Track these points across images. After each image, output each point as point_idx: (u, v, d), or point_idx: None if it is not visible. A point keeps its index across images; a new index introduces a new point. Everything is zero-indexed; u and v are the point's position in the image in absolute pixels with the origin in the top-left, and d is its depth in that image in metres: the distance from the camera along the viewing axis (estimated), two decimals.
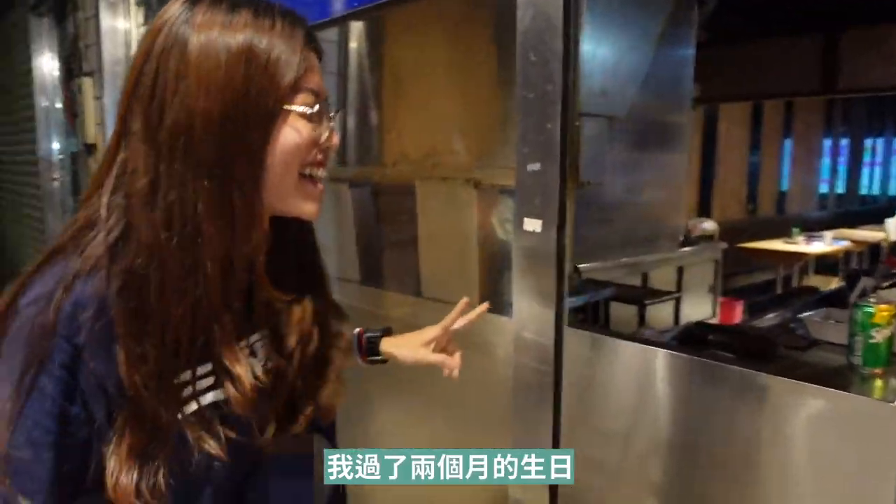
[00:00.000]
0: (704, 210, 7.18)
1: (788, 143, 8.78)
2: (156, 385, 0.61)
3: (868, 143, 11.31)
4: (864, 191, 11.50)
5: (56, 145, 3.98)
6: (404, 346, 1.03)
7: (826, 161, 10.00)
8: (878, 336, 1.18)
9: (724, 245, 4.73)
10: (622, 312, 2.77)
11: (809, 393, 1.12)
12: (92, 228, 0.65)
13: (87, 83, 3.13)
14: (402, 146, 1.89)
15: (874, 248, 6.93)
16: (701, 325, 2.38)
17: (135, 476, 0.60)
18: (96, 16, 2.99)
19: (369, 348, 1.04)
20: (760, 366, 1.23)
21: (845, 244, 6.43)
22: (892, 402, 1.05)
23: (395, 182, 1.88)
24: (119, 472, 0.60)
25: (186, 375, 0.64)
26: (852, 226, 8.57)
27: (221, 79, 0.62)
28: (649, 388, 1.32)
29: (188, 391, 0.65)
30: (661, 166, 1.93)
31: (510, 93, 1.41)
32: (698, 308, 4.53)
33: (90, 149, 3.19)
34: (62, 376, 0.60)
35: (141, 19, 2.96)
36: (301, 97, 0.67)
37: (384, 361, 1.05)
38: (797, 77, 5.42)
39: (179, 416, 0.64)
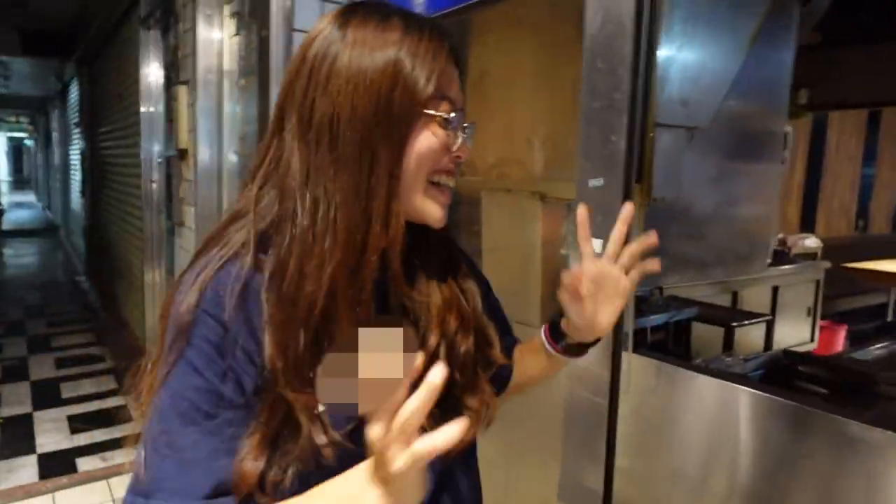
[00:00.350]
0: (808, 226, 6.68)
1: (873, 150, 8.03)
2: (296, 374, 0.63)
3: None
4: None
5: (156, 149, 4.23)
6: (591, 313, 0.86)
7: None
8: None
9: (827, 264, 4.37)
10: (708, 334, 2.59)
11: (883, 438, 0.98)
12: (242, 218, 0.70)
13: (181, 91, 3.30)
14: (472, 156, 1.85)
15: None
16: (790, 355, 2.18)
17: (262, 464, 0.62)
18: (193, 28, 3.15)
19: (552, 331, 0.93)
20: (855, 412, 1.09)
21: None
22: None
23: (462, 192, 1.84)
24: (247, 456, 0.62)
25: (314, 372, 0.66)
26: None
27: (368, 85, 0.67)
28: (719, 428, 1.20)
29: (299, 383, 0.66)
30: (752, 178, 1.78)
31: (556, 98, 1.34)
32: (794, 332, 4.21)
33: (182, 153, 3.36)
34: (208, 351, 0.63)
35: (233, 30, 3.09)
36: (440, 104, 0.72)
37: (582, 347, 0.93)
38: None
39: (316, 410, 0.64)
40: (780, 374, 1.83)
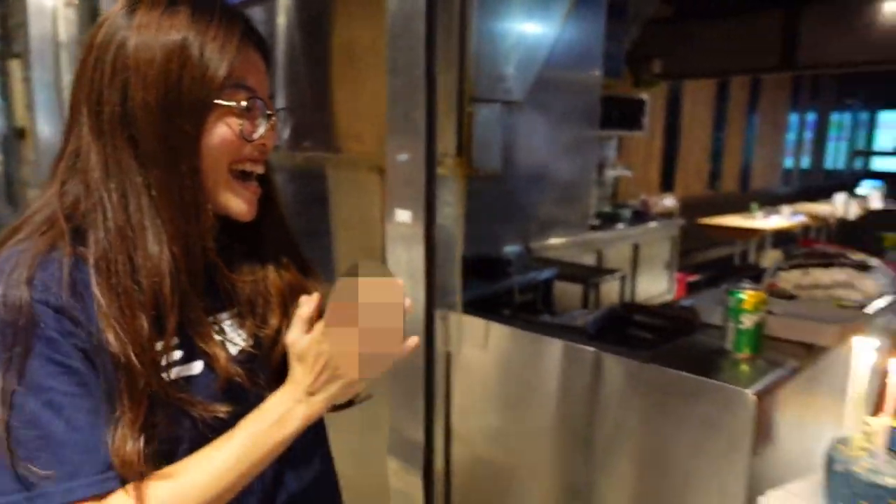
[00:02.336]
0: (667, 187, 7.22)
1: (754, 120, 8.82)
2: (144, 359, 0.64)
3: (835, 117, 11.42)
4: (829, 165, 11.64)
5: None
6: None
7: (792, 136, 10.08)
8: (748, 322, 1.20)
9: (682, 222, 4.78)
10: (574, 291, 2.78)
11: (671, 377, 1.14)
12: (48, 212, 0.68)
13: (14, 64, 3.04)
14: (313, 131, 1.86)
15: (841, 223, 7.03)
16: (626, 306, 2.41)
17: (140, 444, 0.63)
18: None
19: None
20: (637, 354, 1.25)
21: (801, 218, 6.51)
22: (749, 388, 1.07)
23: (305, 168, 1.86)
24: (122, 441, 0.62)
25: (159, 346, 0.66)
26: (816, 200, 8.69)
27: (156, 73, 0.66)
28: (535, 376, 1.33)
29: (166, 360, 0.67)
30: (566, 148, 1.92)
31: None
32: (654, 285, 4.58)
33: (20, 132, 3.10)
34: (54, 337, 0.62)
35: None
36: (233, 93, 0.69)
37: None
38: (757, 54, 5.44)
39: (164, 382, 0.66)
40: (616, 323, 2.01)
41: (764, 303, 1.21)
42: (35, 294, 0.62)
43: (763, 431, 1.06)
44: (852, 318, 1.35)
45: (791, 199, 8.49)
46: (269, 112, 0.72)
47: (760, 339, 1.21)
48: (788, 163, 10.23)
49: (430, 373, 1.31)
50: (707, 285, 4.06)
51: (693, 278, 4.70)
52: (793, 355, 1.23)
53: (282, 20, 2.00)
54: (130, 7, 0.68)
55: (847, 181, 11.86)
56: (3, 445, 0.60)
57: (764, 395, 1.05)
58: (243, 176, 0.73)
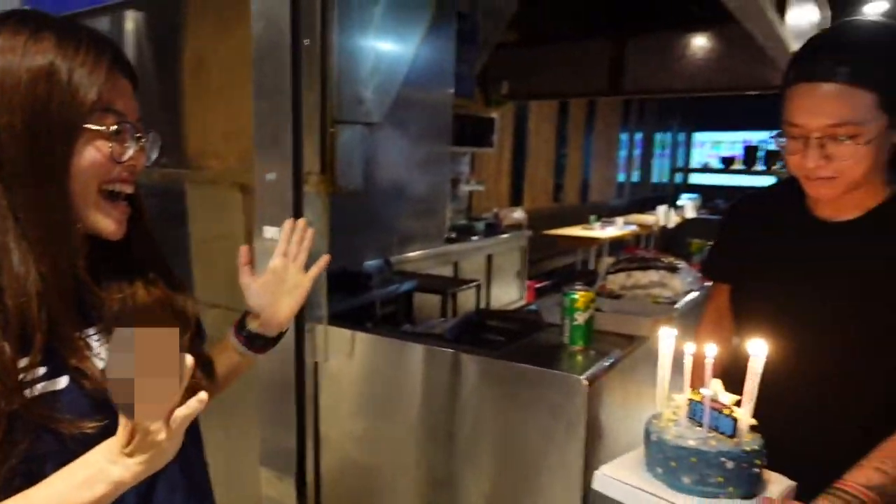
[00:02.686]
0: (516, 200, 7.71)
1: (591, 138, 9.68)
2: (5, 382, 0.64)
3: (658, 137, 12.81)
4: (655, 179, 13.02)
5: None
6: (270, 303, 0.97)
7: (623, 153, 11.17)
8: (580, 318, 1.39)
9: (530, 233, 5.15)
10: (433, 302, 2.91)
11: (518, 370, 1.29)
12: None
13: None
14: (169, 147, 1.84)
15: (664, 231, 7.92)
16: (480, 312, 2.59)
17: None
18: None
19: (240, 326, 0.99)
20: (488, 351, 1.40)
21: (633, 228, 7.26)
22: (582, 374, 1.25)
23: (162, 184, 1.82)
24: None
25: (24, 362, 0.67)
26: (644, 211, 9.65)
27: (22, 97, 0.67)
28: (399, 379, 1.43)
29: (31, 377, 0.67)
30: (421, 166, 2.05)
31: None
32: (507, 293, 4.88)
33: None
34: None
35: None
36: (102, 117, 0.71)
37: (271, 339, 1.00)
38: (590, 78, 6.01)
39: (26, 400, 0.66)
40: (472, 329, 2.16)
41: (593, 301, 1.41)
42: None
43: (594, 412, 1.24)
44: (662, 311, 1.60)
45: (624, 210, 9.38)
46: (138, 135, 0.75)
47: (591, 333, 1.41)
48: (621, 177, 11.30)
49: (300, 383, 1.36)
50: (552, 290, 4.39)
51: (540, 284, 5.09)
52: (618, 346, 1.44)
53: (130, 31, 1.95)
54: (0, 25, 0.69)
55: (670, 194, 13.28)
56: None
57: (594, 381, 1.24)
58: (112, 196, 0.75)
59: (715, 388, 0.94)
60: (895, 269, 1.00)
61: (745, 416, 0.91)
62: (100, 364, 0.74)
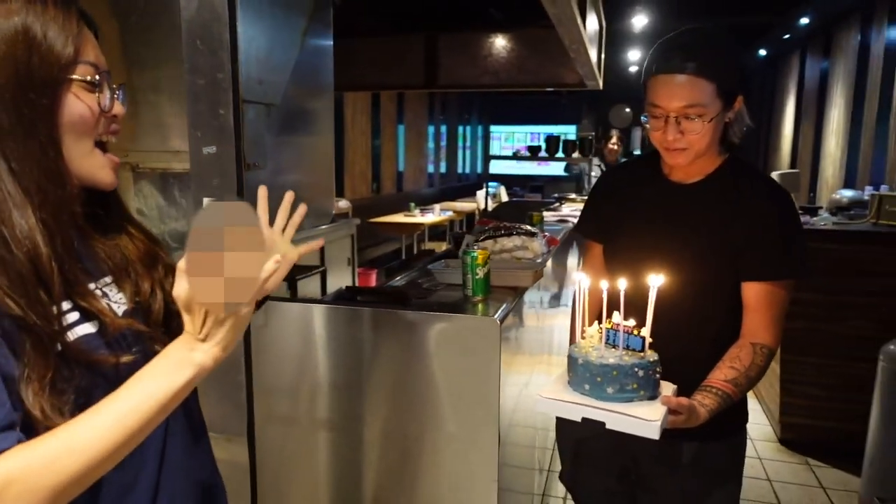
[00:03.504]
0: (339, 190, 7.80)
1: (402, 129, 10.08)
2: (37, 315, 0.67)
3: (460, 129, 13.69)
4: (460, 170, 13.92)
5: None
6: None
7: (431, 145, 11.78)
8: (480, 273, 1.63)
9: (357, 221, 5.31)
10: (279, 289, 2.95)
11: (437, 319, 1.49)
12: None
13: None
14: None
15: (470, 216, 8.56)
16: (351, 289, 2.73)
17: (47, 396, 0.66)
18: None
19: None
20: (408, 306, 1.57)
21: (450, 214, 7.78)
22: (494, 315, 1.49)
23: None
24: (33, 393, 0.66)
25: (54, 309, 0.70)
26: (453, 199, 10.30)
27: (2, 57, 0.70)
28: (313, 340, 1.55)
29: (64, 322, 0.71)
30: (311, 149, 2.16)
31: (145, 74, 1.45)
32: (341, 279, 5.00)
33: None
34: None
35: None
36: (81, 68, 0.74)
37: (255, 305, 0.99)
38: (407, 72, 6.31)
39: (67, 342, 0.70)
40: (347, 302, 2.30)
41: (489, 259, 1.66)
42: None
43: (503, 347, 1.49)
44: (535, 266, 1.90)
45: (435, 199, 9.92)
46: (114, 85, 0.79)
47: (489, 285, 1.66)
48: (431, 168, 11.91)
49: (247, 349, 1.41)
50: (398, 271, 4.62)
51: (373, 271, 5.30)
52: (507, 295, 1.70)
53: None
54: None
55: (475, 182, 14.24)
56: None
57: (503, 320, 1.48)
58: (101, 147, 0.79)
59: (618, 319, 1.14)
60: (728, 218, 1.29)
61: (647, 335, 1.12)
62: (118, 310, 0.79)
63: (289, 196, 1.01)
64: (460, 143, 13.77)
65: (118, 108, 0.80)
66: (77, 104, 0.74)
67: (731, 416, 1.30)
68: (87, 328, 0.74)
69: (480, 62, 6.11)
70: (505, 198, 7.13)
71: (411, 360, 1.52)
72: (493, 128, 15.49)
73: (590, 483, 1.52)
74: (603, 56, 5.92)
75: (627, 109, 13.46)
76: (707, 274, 1.30)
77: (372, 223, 6.96)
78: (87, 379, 0.72)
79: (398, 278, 2.92)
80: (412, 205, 7.75)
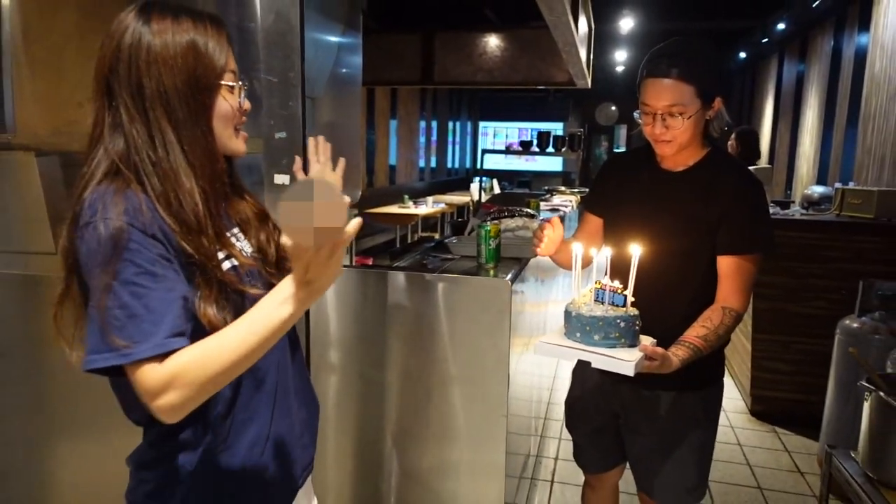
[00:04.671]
0: None
1: (394, 124, 10.32)
2: (206, 254, 0.91)
3: (450, 125, 13.94)
4: (449, 164, 14.19)
5: None
6: None
7: (422, 140, 12.04)
8: (493, 244, 1.92)
9: (355, 211, 5.57)
10: None
11: (459, 281, 1.78)
12: (104, 166, 0.91)
13: None
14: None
15: (460, 208, 8.84)
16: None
17: (215, 308, 0.91)
18: None
19: None
20: (429, 272, 1.86)
21: (442, 206, 8.07)
22: (505, 277, 1.78)
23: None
24: (206, 307, 0.90)
25: (213, 248, 0.94)
26: (443, 193, 10.57)
27: (180, 64, 0.93)
28: (359, 300, 1.83)
29: (217, 260, 0.94)
30: (344, 136, 2.40)
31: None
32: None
33: None
34: (138, 248, 0.86)
35: None
36: (228, 75, 0.98)
37: None
38: (405, 68, 6.57)
39: (222, 271, 0.94)
40: None
41: (500, 232, 1.94)
42: (127, 219, 0.87)
43: (513, 304, 1.78)
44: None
45: (426, 192, 10.18)
46: (244, 86, 1.05)
47: (499, 255, 1.95)
48: (422, 162, 12.17)
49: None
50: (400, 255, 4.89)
51: (369, 259, 5.57)
52: (514, 264, 1.99)
53: None
54: (145, 17, 0.94)
55: (464, 177, 14.52)
56: (100, 321, 0.84)
57: (514, 281, 1.77)
58: (237, 130, 1.05)
59: (606, 280, 1.37)
60: (707, 200, 1.50)
61: (629, 294, 1.35)
62: (246, 252, 1.04)
63: (320, 139, 1.35)
64: (450, 139, 14.03)
65: (247, 105, 1.06)
66: (224, 103, 0.99)
67: (705, 371, 1.54)
68: (230, 264, 0.99)
69: (475, 60, 6.40)
70: (497, 190, 7.42)
71: (435, 316, 1.80)
72: (482, 124, 15.77)
73: (585, 416, 1.79)
74: (591, 56, 6.24)
75: (613, 107, 13.82)
76: (686, 246, 1.52)
77: (368, 213, 7.22)
78: (234, 300, 0.96)
79: (403, 260, 3.21)
80: (406, 197, 8.02)
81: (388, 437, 1.90)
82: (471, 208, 5.71)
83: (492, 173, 11.08)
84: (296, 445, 1.10)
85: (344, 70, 2.16)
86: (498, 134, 15.66)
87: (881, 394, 1.74)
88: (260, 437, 1.02)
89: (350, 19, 2.15)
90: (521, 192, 8.18)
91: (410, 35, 6.43)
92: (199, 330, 0.90)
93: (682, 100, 1.44)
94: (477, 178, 8.14)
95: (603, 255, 1.46)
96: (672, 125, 1.46)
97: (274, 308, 0.86)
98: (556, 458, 3.09)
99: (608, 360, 1.29)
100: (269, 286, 1.00)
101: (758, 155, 5.12)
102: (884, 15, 5.22)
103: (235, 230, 1.08)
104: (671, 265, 1.52)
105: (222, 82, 0.98)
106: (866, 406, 1.86)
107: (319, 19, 1.85)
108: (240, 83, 1.03)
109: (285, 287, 0.87)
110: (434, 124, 12.75)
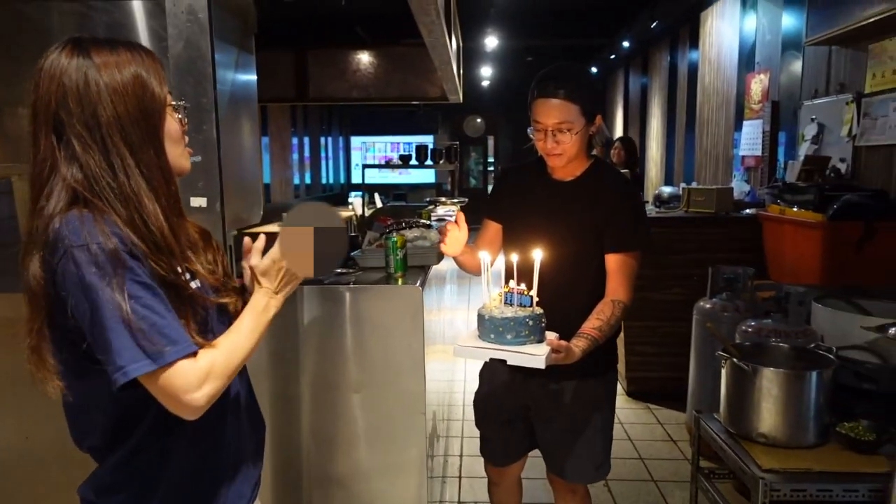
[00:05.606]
0: None
1: (266, 141, 10.10)
2: (171, 272, 0.97)
3: (322, 140, 13.86)
4: (324, 180, 14.08)
5: None
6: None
7: (295, 156, 11.87)
8: (400, 254, 2.05)
9: (235, 232, 5.45)
10: None
11: (372, 290, 1.89)
12: (66, 195, 0.93)
13: None
14: None
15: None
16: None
17: (184, 322, 0.96)
18: None
19: None
20: (346, 284, 1.95)
21: None
22: (416, 283, 1.91)
23: None
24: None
25: (180, 269, 1.00)
26: None
27: (131, 94, 0.99)
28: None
29: (185, 278, 1.01)
30: (243, 151, 2.41)
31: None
32: None
33: None
34: (133, 267, 0.91)
35: None
36: (168, 98, 1.05)
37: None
38: (278, 86, 6.51)
39: (189, 291, 1.00)
40: None
41: (406, 242, 2.07)
42: (116, 240, 0.92)
43: (424, 307, 1.91)
44: (435, 249, 2.35)
45: None
46: (184, 106, 1.12)
47: (406, 264, 2.07)
48: (297, 179, 11.99)
49: None
50: None
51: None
52: (420, 272, 2.13)
53: None
54: (83, 52, 0.98)
55: (339, 192, 14.45)
56: (126, 333, 0.89)
57: (423, 287, 1.90)
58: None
59: (513, 284, 1.47)
60: (593, 205, 1.67)
61: (534, 295, 1.45)
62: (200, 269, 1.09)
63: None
64: (322, 154, 13.94)
65: (185, 121, 1.11)
66: (173, 122, 1.06)
67: (601, 359, 1.71)
68: (196, 283, 1.04)
69: (350, 77, 6.50)
70: (379, 204, 7.54)
71: (352, 325, 1.90)
72: (353, 138, 15.81)
73: (496, 411, 1.90)
74: (462, 72, 6.55)
75: (479, 119, 14.44)
76: (579, 248, 1.69)
77: (248, 233, 7.03)
78: (200, 315, 1.02)
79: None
80: (284, 215, 7.89)
81: (310, 445, 1.96)
82: (355, 222, 5.79)
83: (370, 187, 11.17)
84: (247, 461, 1.15)
85: (241, 90, 2.20)
86: (370, 148, 15.77)
87: (734, 360, 2.06)
88: (219, 451, 1.08)
89: (244, 42, 2.19)
90: (399, 204, 8.36)
91: (282, 52, 6.40)
92: None
93: (570, 117, 1.60)
94: (358, 193, 8.22)
95: (509, 260, 1.57)
96: (562, 140, 1.62)
97: (260, 312, 1.05)
98: (460, 455, 3.26)
99: (521, 357, 1.40)
100: (220, 303, 1.08)
101: (637, 160, 5.66)
102: (709, 34, 5.98)
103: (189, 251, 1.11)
104: (566, 266, 1.66)
105: (168, 103, 1.04)
106: (724, 372, 2.18)
107: (219, 44, 1.89)
108: (182, 102, 1.09)
109: (259, 300, 1.06)
110: (306, 140, 12.62)
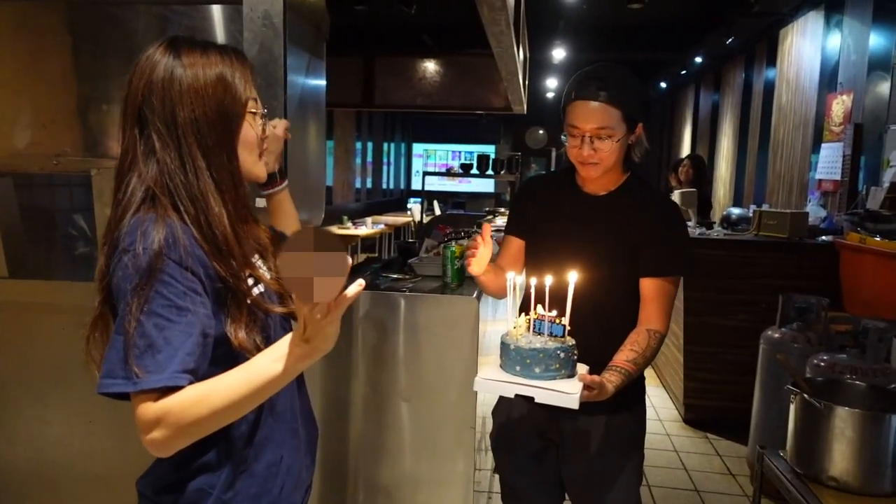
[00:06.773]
0: None
1: (331, 145, 10.32)
2: (236, 277, 0.95)
3: (385, 146, 14.06)
4: (384, 185, 14.27)
5: None
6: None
7: (358, 161, 12.08)
8: (458, 264, 2.03)
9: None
10: None
11: (430, 300, 1.87)
12: (140, 193, 0.94)
13: None
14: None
15: (398, 229, 8.93)
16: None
17: (245, 332, 0.95)
18: None
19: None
20: (402, 293, 1.94)
21: (381, 227, 8.13)
22: (472, 295, 1.89)
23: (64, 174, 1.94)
24: (235, 330, 0.94)
25: (244, 271, 0.98)
26: (380, 213, 10.64)
27: (210, 95, 0.98)
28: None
29: (247, 283, 0.98)
30: (314, 160, 2.44)
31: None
32: None
33: None
34: (170, 281, 0.89)
35: None
36: (251, 104, 1.03)
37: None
38: (346, 91, 6.64)
39: (253, 296, 0.98)
40: None
41: (464, 253, 2.05)
42: (165, 250, 0.90)
43: (479, 319, 1.89)
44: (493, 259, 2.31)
45: (363, 213, 10.22)
46: (265, 114, 1.10)
47: (463, 274, 2.05)
48: (358, 183, 12.19)
49: None
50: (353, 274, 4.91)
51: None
52: (474, 283, 2.10)
53: None
54: (175, 51, 1.00)
55: (398, 198, 14.63)
56: (122, 347, 0.87)
57: (479, 299, 1.88)
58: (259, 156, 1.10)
59: (542, 311, 1.30)
60: (629, 224, 1.49)
61: (566, 323, 1.29)
62: (268, 276, 1.07)
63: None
64: (385, 160, 14.12)
65: (267, 131, 1.11)
66: (250, 130, 1.04)
67: (632, 392, 1.49)
68: (259, 289, 1.03)
69: (415, 84, 6.56)
70: (438, 211, 7.56)
71: (407, 332, 1.89)
72: (415, 145, 15.96)
73: (517, 447, 1.65)
74: (528, 83, 6.51)
75: (542, 131, 14.33)
76: (612, 270, 1.50)
77: None
78: (261, 321, 1.00)
79: (363, 273, 3.27)
80: (345, 218, 8.03)
81: (357, 450, 1.96)
82: (412, 229, 5.79)
83: (429, 194, 11.23)
84: (301, 467, 1.13)
85: (310, 94, 2.23)
86: (431, 156, 15.88)
87: (805, 395, 1.94)
88: (275, 458, 1.06)
89: (316, 47, 2.23)
90: (457, 212, 8.36)
91: (351, 59, 6.52)
92: (227, 354, 0.94)
93: (611, 123, 1.43)
94: (417, 200, 8.27)
95: (541, 282, 1.36)
96: (599, 148, 1.44)
97: (269, 363, 0.88)
98: None
99: (552, 395, 1.24)
100: (290, 312, 1.05)
101: (706, 179, 5.41)
102: (788, 53, 5.74)
103: (256, 256, 1.09)
104: (598, 289, 1.47)
105: (248, 110, 1.03)
106: (792, 408, 2.06)
107: (291, 49, 1.93)
108: (263, 110, 1.08)
109: (283, 343, 0.88)
110: (370, 145, 12.82)
